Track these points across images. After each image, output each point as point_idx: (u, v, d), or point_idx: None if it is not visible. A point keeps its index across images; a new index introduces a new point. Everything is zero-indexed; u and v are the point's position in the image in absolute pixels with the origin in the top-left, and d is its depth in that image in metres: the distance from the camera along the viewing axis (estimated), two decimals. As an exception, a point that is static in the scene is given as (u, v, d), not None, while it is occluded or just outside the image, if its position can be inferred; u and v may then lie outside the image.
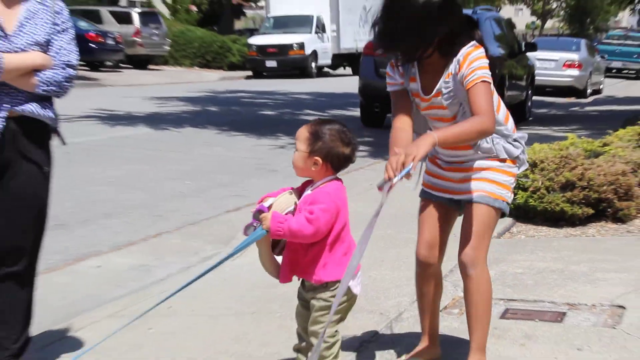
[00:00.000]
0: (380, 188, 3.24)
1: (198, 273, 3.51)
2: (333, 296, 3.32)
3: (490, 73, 3.50)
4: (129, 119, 15.05)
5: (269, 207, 3.33)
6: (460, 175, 3.67)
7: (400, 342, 4.28)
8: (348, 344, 4.17)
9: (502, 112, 3.71)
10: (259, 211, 3.33)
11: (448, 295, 5.05)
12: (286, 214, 3.35)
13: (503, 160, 3.64)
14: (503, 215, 3.70)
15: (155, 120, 15.09)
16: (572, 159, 7.12)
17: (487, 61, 3.51)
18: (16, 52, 3.51)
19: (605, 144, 7.82)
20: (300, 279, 3.50)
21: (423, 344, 3.96)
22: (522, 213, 7.17)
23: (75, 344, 4.16)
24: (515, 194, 7.15)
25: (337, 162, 3.41)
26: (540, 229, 6.97)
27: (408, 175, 3.22)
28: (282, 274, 3.47)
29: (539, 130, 14.54)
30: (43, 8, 3.62)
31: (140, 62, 31.28)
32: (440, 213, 3.77)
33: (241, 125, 14.47)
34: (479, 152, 3.61)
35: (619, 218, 7.06)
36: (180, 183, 9.11)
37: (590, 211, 6.99)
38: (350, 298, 3.45)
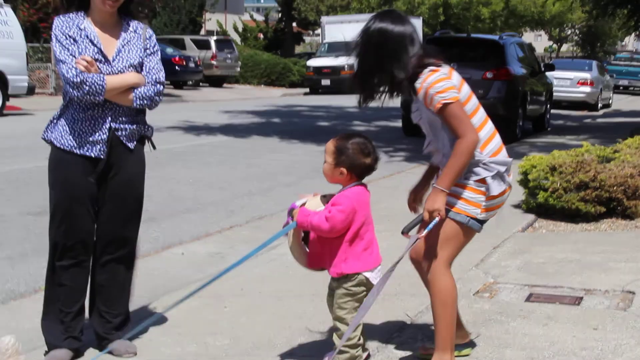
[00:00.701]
0: (405, 234, 3.26)
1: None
2: (353, 285, 3.37)
3: (450, 94, 3.25)
4: (207, 129, 15.20)
5: (301, 206, 3.40)
6: None
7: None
8: (393, 323, 4.13)
9: (483, 134, 3.38)
10: (292, 209, 3.41)
11: (480, 282, 5.00)
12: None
13: (474, 180, 3.37)
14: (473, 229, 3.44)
15: (228, 130, 15.22)
16: (587, 164, 7.07)
17: (446, 83, 3.27)
18: (115, 74, 3.59)
19: (615, 151, 7.75)
20: None
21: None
22: (543, 210, 7.13)
23: (161, 319, 4.17)
24: (536, 195, 7.10)
25: (359, 171, 3.42)
26: (559, 224, 6.91)
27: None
28: (309, 261, 3.51)
29: (556, 139, 14.38)
30: (136, 36, 3.70)
31: (216, 81, 31.81)
32: None
33: (300, 134, 14.51)
34: None
35: (627, 215, 6.99)
36: (249, 183, 9.16)
37: (603, 209, 6.93)
38: (369, 288, 3.40)
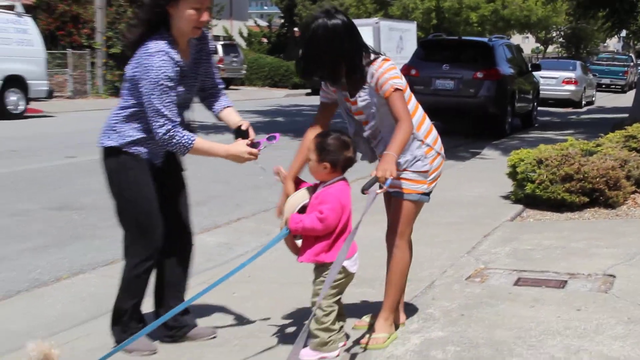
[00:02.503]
0: (365, 191, 3.26)
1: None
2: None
3: (401, 82, 3.43)
4: (215, 128, 14.96)
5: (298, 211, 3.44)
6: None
7: (432, 304, 4.24)
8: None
9: (416, 117, 3.57)
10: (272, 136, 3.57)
11: (471, 267, 5.01)
12: (302, 206, 3.43)
13: (417, 162, 3.56)
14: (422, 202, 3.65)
15: (235, 129, 15.11)
16: (571, 157, 7.09)
17: (398, 71, 3.46)
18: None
19: (598, 145, 7.75)
20: None
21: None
22: (530, 201, 7.14)
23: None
24: (524, 186, 7.12)
25: (342, 165, 3.44)
26: (545, 213, 6.92)
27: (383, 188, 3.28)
28: (300, 255, 3.49)
29: (543, 134, 14.36)
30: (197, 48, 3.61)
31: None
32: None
33: (302, 132, 14.17)
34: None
35: (609, 204, 7.00)
36: (255, 178, 9.11)
37: (586, 199, 6.95)
38: (347, 276, 3.44)
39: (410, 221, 3.67)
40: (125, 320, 3.54)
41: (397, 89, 3.39)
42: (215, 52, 30.41)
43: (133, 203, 3.46)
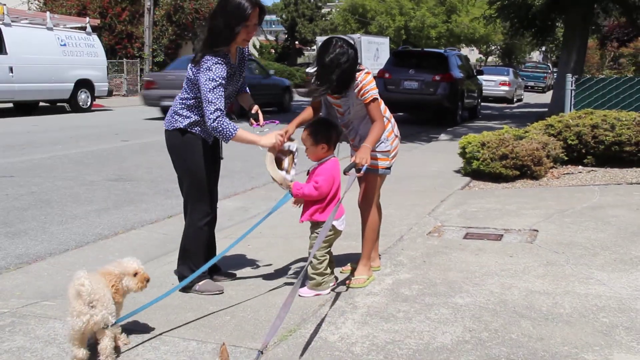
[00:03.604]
0: (346, 173, 3.22)
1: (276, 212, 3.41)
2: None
3: (377, 92, 3.36)
4: (233, 119, 15.00)
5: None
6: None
7: (401, 253, 4.20)
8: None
9: (387, 115, 3.54)
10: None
11: (431, 225, 4.97)
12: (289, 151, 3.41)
13: (382, 144, 3.51)
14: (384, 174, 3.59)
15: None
16: (506, 141, 7.04)
17: (374, 82, 3.38)
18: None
19: (526, 132, 7.67)
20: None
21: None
22: (476, 174, 7.09)
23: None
24: (471, 163, 7.07)
25: (335, 140, 3.39)
26: (487, 184, 6.86)
27: (360, 172, 3.23)
28: (302, 216, 3.42)
29: (485, 124, 14.27)
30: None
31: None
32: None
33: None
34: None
35: (534, 177, 6.96)
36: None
37: (517, 172, 6.91)
38: (336, 232, 3.40)
39: (377, 189, 3.63)
40: (192, 263, 3.44)
41: (375, 99, 3.35)
42: (250, 56, 30.25)
43: (195, 171, 3.38)
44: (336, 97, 3.48)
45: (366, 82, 3.35)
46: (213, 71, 3.16)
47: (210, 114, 3.16)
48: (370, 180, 3.56)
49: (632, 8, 14.19)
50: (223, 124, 3.18)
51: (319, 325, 2.99)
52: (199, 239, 3.45)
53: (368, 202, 3.62)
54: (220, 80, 3.18)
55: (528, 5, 14.02)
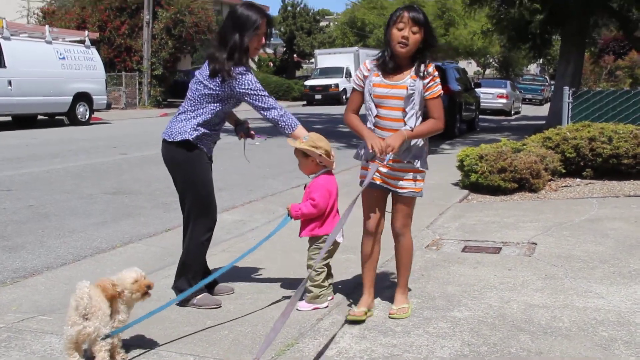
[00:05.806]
0: (368, 161, 3.08)
1: (273, 226, 3.41)
2: (321, 242, 3.33)
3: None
4: (231, 131, 15.04)
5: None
6: (395, 174, 3.23)
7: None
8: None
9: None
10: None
11: (429, 238, 4.98)
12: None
13: (418, 170, 3.23)
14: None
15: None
16: (504, 153, 7.06)
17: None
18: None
19: (524, 144, 7.71)
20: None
21: (367, 296, 3.34)
22: (474, 187, 7.11)
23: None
24: (469, 176, 7.09)
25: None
26: (485, 196, 6.88)
27: (382, 161, 3.03)
28: (301, 231, 3.42)
29: (483, 136, 14.33)
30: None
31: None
32: (380, 196, 3.30)
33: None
34: (408, 158, 3.17)
35: (532, 189, 6.98)
36: (263, 170, 9.09)
37: (515, 185, 6.93)
38: (335, 245, 3.38)
39: (412, 213, 3.33)
40: (190, 276, 3.42)
41: (440, 95, 3.13)
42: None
43: (199, 185, 3.36)
44: (400, 86, 3.09)
45: (437, 74, 3.11)
46: (254, 82, 3.31)
47: (278, 111, 3.32)
48: (411, 203, 3.26)
49: (627, 21, 14.36)
50: (286, 118, 3.33)
51: (317, 339, 2.97)
52: (200, 253, 3.46)
53: (407, 227, 3.30)
54: (264, 89, 3.36)
55: (527, 21, 14.17)
